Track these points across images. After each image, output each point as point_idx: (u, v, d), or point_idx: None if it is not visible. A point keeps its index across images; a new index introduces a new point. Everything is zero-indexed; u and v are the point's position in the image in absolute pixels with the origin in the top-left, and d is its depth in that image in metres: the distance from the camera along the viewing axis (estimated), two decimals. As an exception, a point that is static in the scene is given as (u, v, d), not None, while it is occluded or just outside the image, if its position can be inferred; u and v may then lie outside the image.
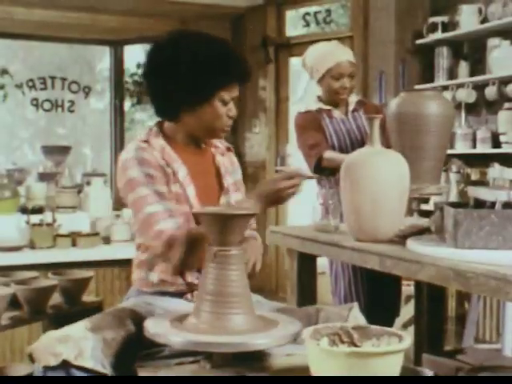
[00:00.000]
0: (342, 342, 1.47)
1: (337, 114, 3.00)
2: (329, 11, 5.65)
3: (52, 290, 2.30)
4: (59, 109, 6.57)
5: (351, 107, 3.04)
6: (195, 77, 1.77)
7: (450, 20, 4.61)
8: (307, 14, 5.73)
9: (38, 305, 2.25)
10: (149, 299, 1.82)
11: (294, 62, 5.97)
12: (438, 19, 4.64)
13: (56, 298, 2.39)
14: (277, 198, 1.77)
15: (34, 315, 2.27)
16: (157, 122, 1.95)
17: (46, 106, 6.51)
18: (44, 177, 5.25)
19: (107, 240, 3.68)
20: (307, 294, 2.35)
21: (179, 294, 1.84)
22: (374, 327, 1.48)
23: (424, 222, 2.35)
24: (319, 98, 3.05)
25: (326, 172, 2.86)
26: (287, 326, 1.57)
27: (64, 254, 3.45)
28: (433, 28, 4.66)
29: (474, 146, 4.41)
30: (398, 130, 2.35)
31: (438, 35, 4.60)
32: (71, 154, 6.54)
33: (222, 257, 1.55)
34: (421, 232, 2.02)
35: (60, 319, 2.22)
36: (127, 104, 6.96)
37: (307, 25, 5.74)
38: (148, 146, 1.83)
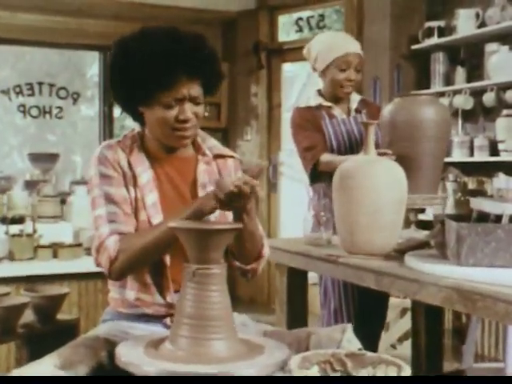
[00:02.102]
0: (335, 370, 1.33)
1: (338, 112, 2.81)
2: (322, 16, 5.51)
3: (23, 308, 2.15)
4: (47, 115, 6.41)
5: (353, 105, 2.84)
6: (132, 80, 1.62)
7: (447, 25, 4.49)
8: (300, 18, 5.60)
9: (8, 324, 2.09)
10: (125, 326, 1.67)
11: (287, 67, 5.85)
12: (435, 24, 4.51)
13: (28, 317, 2.23)
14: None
15: (3, 335, 2.11)
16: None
17: (34, 112, 6.35)
18: (30, 185, 5.09)
19: (90, 251, 3.52)
20: (297, 311, 2.20)
21: (158, 317, 1.68)
22: (369, 354, 1.34)
23: (422, 234, 2.22)
24: (319, 92, 2.85)
25: (324, 178, 2.63)
26: (274, 352, 1.42)
27: (45, 266, 3.30)
28: (429, 33, 4.53)
29: (472, 154, 4.25)
30: (392, 138, 2.23)
31: (434, 40, 4.46)
32: (61, 162, 6.38)
33: (201, 276, 1.40)
34: (420, 246, 1.88)
35: (32, 339, 2.06)
36: (117, 111, 6.81)
37: (300, 30, 5.60)
38: (117, 144, 1.70)
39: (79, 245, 3.47)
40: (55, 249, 3.37)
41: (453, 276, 1.50)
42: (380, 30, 4.76)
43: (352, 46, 2.76)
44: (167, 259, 1.65)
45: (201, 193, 1.72)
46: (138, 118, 1.72)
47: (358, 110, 2.84)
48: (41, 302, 2.21)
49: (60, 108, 6.43)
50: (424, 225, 2.47)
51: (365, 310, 2.63)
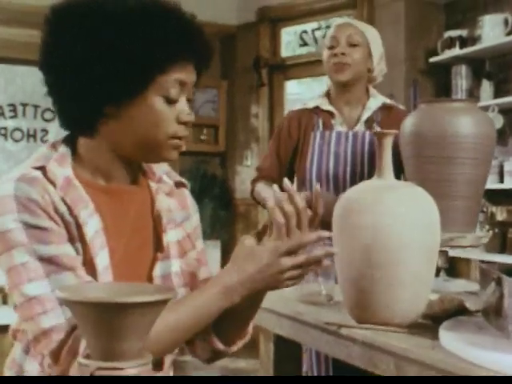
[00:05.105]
0: None
1: (338, 121, 2.24)
2: (329, 28, 5.00)
3: None
4: (31, 139, 5.93)
5: (366, 114, 2.23)
6: (112, 56, 1.07)
7: (470, 34, 4.09)
8: (304, 31, 5.11)
9: None
10: None
11: (292, 89, 5.39)
12: (456, 33, 4.11)
13: None
14: (273, 283, 1.10)
15: None
16: (66, 136, 1.21)
17: (17, 135, 5.87)
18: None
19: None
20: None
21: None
22: None
23: (456, 286, 1.66)
24: (327, 92, 2.32)
25: None
26: None
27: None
28: (449, 44, 4.12)
29: (501, 181, 3.84)
30: (417, 157, 1.69)
31: (456, 51, 4.04)
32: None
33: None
34: (460, 311, 1.30)
35: None
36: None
37: (305, 44, 5.12)
38: (42, 176, 1.11)
39: None
40: (4, 294, 2.81)
41: (524, 374, 0.92)
42: (394, 42, 4.37)
43: (346, 18, 2.34)
44: None
45: (166, 238, 1.21)
46: (91, 125, 1.14)
47: (370, 121, 2.24)
48: None
49: (45, 131, 5.95)
50: (453, 268, 1.92)
51: None
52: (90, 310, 0.82)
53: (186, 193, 1.32)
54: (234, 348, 1.21)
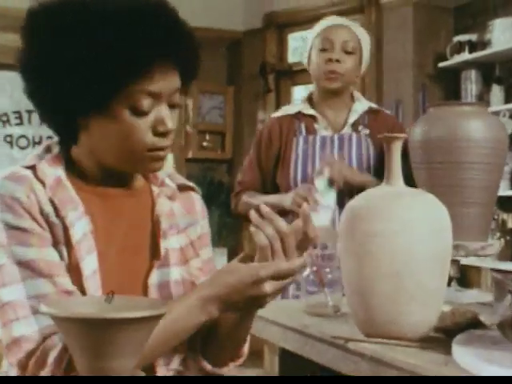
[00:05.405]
0: None
1: (322, 125, 2.15)
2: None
3: None
4: (36, 146, 5.89)
5: (352, 118, 2.17)
6: (75, 66, 1.03)
7: (479, 38, 4.04)
8: (312, 37, 5.04)
9: None
10: None
11: (298, 91, 5.29)
12: (465, 37, 4.07)
13: None
14: (255, 305, 1.05)
15: None
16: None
17: (22, 143, 5.83)
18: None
19: None
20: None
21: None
22: None
23: (470, 298, 1.60)
24: (310, 96, 2.23)
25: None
26: None
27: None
28: (458, 48, 4.07)
29: None
30: (427, 162, 1.63)
31: (465, 56, 3.98)
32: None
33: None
34: (472, 324, 1.24)
35: None
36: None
37: (312, 49, 5.05)
38: (32, 175, 1.08)
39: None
40: None
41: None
42: (402, 46, 4.34)
43: (340, 19, 2.19)
44: None
45: (164, 244, 1.15)
46: (71, 133, 1.12)
47: (357, 124, 2.17)
48: None
49: (51, 138, 5.92)
50: (464, 277, 1.86)
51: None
52: (77, 326, 0.77)
53: (194, 197, 1.27)
54: (225, 369, 1.16)
